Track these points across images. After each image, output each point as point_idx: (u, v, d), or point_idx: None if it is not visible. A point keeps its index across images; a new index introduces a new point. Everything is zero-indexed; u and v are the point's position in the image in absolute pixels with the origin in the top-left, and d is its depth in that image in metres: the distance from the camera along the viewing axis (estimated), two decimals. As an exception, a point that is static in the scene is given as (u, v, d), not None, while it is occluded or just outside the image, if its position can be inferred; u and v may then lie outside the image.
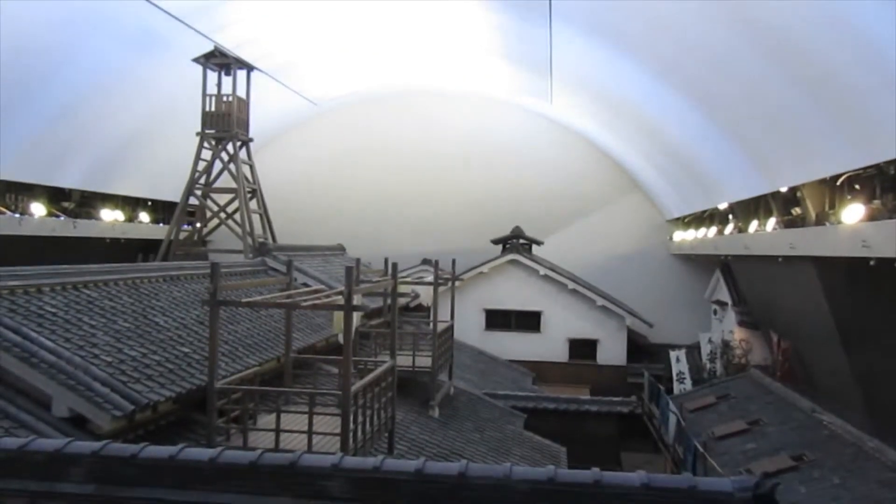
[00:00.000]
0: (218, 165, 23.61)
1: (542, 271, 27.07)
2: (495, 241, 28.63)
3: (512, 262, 27.38)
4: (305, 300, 8.76)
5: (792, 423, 15.46)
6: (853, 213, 13.91)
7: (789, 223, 18.84)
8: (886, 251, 12.47)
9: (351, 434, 8.06)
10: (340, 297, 8.28)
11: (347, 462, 3.84)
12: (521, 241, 28.20)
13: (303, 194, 32.09)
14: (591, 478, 3.58)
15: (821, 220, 16.76)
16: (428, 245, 30.64)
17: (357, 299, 8.27)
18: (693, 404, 19.31)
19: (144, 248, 27.53)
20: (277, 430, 8.12)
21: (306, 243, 21.14)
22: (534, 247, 29.04)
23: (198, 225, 25.75)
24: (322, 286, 12.04)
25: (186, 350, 9.46)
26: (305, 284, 14.51)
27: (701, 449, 14.76)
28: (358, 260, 13.55)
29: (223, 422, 8.50)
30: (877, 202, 14.29)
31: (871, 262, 13.12)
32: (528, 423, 16.37)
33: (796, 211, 18.56)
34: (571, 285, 26.99)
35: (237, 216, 23.55)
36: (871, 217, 13.80)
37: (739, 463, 14.22)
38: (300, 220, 30.44)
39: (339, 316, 8.73)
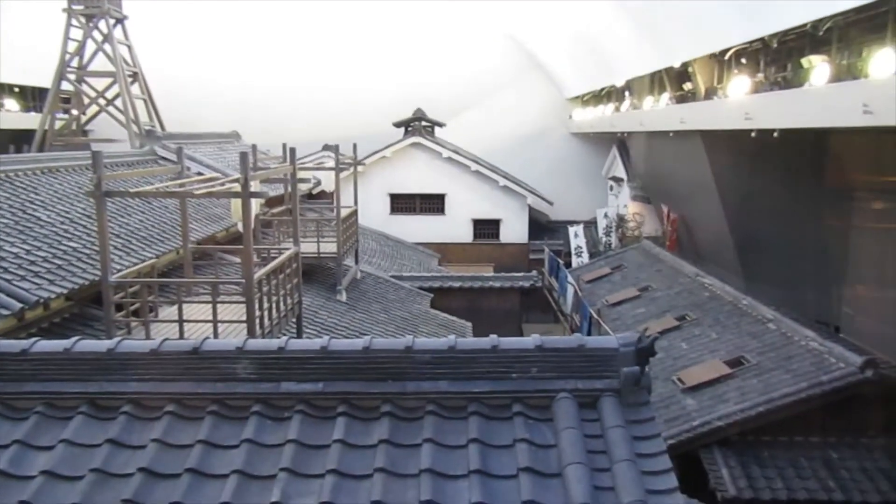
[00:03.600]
0: (92, 47, 21.60)
1: (445, 154, 27.07)
2: (397, 125, 28.19)
3: (414, 145, 27.17)
4: (199, 188, 8.42)
5: (678, 288, 16.69)
6: (738, 86, 14.48)
7: (681, 98, 19.47)
8: (767, 122, 13.18)
9: (257, 320, 8.06)
10: (237, 184, 8.01)
11: (252, 344, 3.86)
12: (424, 123, 27.89)
13: (193, 80, 30.00)
14: (489, 344, 3.76)
15: (710, 95, 17.41)
16: (329, 131, 29.74)
17: (255, 186, 8.03)
18: (589, 276, 20.41)
19: (15, 139, 25.29)
20: (181, 321, 8.02)
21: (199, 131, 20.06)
22: (436, 130, 28.81)
23: (75, 112, 23.78)
24: (217, 174, 11.57)
25: (75, 245, 9.01)
26: (199, 174, 13.90)
27: (595, 316, 15.78)
28: (254, 146, 13.05)
29: (122, 316, 8.28)
30: (760, 76, 14.92)
31: (753, 134, 13.86)
32: (434, 302, 16.89)
33: (688, 86, 19.14)
34: (474, 167, 27.21)
35: (118, 102, 21.91)
36: (755, 90, 14.44)
37: (630, 326, 15.33)
38: (192, 108, 28.61)
39: (236, 204, 8.48)
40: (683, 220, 21.93)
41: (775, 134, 13.02)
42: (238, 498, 3.12)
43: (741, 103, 14.07)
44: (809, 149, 15.40)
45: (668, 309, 15.55)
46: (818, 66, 12.16)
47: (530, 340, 3.76)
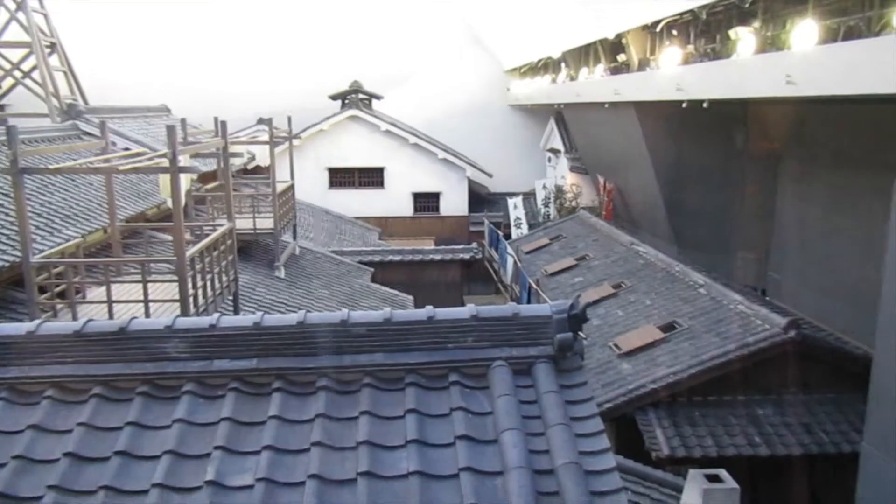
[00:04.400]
0: (5, 16, 20.37)
1: (384, 127, 26.80)
2: (334, 97, 27.71)
3: (352, 118, 26.79)
4: (125, 164, 8.10)
5: (614, 257, 17.09)
6: (669, 58, 14.77)
7: (615, 70, 19.74)
8: (696, 93, 13.51)
9: (191, 299, 7.86)
10: (164, 159, 7.73)
11: (182, 322, 3.75)
12: (361, 96, 27.50)
13: (119, 51, 28.66)
14: (424, 315, 3.77)
15: (643, 67, 17.71)
16: (263, 105, 28.97)
17: (183, 160, 7.77)
18: (529, 246, 20.69)
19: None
20: (109, 302, 7.74)
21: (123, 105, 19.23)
22: (374, 103, 28.45)
23: (-11, 86, 22.47)
24: (145, 149, 11.15)
25: (-8, 226, 8.56)
26: (126, 149, 13.36)
27: (534, 286, 16.03)
28: (183, 120, 12.61)
29: (47, 298, 7.94)
30: (690, 47, 15.24)
31: (684, 105, 14.20)
32: (375, 277, 16.82)
33: (622, 58, 19.42)
34: (413, 140, 27.06)
35: (36, 75, 20.79)
36: (686, 62, 14.76)
37: (568, 295, 15.66)
38: (118, 81, 27.36)
39: (165, 180, 8.20)
40: (619, 190, 22.41)
41: (705, 104, 13.38)
42: (171, 479, 3.06)
43: (672, 74, 14.38)
44: (737, 119, 15.89)
45: (605, 277, 15.93)
46: (744, 38, 12.50)
47: (466, 310, 3.78)
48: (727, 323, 11.64)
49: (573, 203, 25.70)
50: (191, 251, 8.10)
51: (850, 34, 10.50)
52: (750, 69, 11.82)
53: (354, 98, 27.11)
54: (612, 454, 3.23)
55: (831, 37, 10.93)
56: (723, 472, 6.97)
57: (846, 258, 13.10)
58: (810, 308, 13.94)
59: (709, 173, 16.98)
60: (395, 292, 15.61)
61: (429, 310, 3.81)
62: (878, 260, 8.59)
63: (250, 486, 3.03)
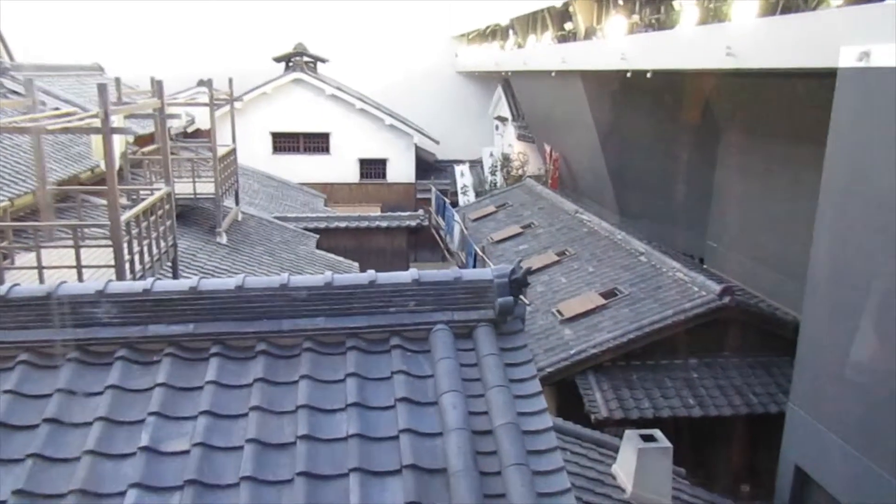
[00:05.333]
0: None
1: (329, 91, 26.30)
2: (277, 59, 27.00)
3: (296, 81, 26.20)
4: (54, 123, 7.73)
5: (559, 224, 17.31)
6: (615, 27, 14.85)
7: (563, 38, 19.77)
8: (640, 63, 13.65)
9: (127, 265, 7.63)
10: (96, 119, 7.41)
11: (114, 287, 3.63)
12: (306, 59, 26.86)
13: (49, 6, 27.14)
14: (366, 279, 3.74)
15: (589, 35, 17.78)
16: (204, 66, 27.99)
17: (117, 121, 7.47)
18: (475, 214, 20.76)
19: None
20: (40, 268, 7.45)
21: (53, 62, 18.29)
22: (320, 66, 27.83)
23: None
24: (75, 109, 10.67)
25: None
26: (56, 109, 12.76)
27: (480, 253, 16.13)
28: (117, 79, 12.09)
29: (-29, 264, 7.59)
30: (636, 17, 15.35)
31: (628, 74, 14.34)
32: (320, 244, 16.65)
33: (569, 26, 19.44)
34: (360, 105, 26.66)
35: (-44, 29, 19.55)
36: (631, 31, 14.87)
37: (513, 262, 15.80)
38: (48, 37, 25.96)
39: (97, 141, 7.87)
40: (565, 158, 22.62)
41: (648, 74, 13.54)
42: (103, 445, 2.99)
43: (617, 44, 14.48)
44: (680, 90, 16.14)
45: (550, 245, 16.14)
46: (687, 9, 12.65)
47: (407, 275, 3.77)
48: (666, 289, 11.97)
49: (520, 171, 25.85)
50: (126, 215, 7.84)
51: (789, 8, 10.74)
52: (692, 41, 11.99)
53: (299, 61, 26.47)
54: (548, 415, 3.30)
55: (771, 10, 11.16)
56: (657, 433, 7.23)
57: (778, 228, 13.57)
58: (745, 275, 14.45)
59: (652, 143, 17.27)
60: (341, 259, 15.50)
61: (370, 274, 3.78)
62: (809, 230, 8.93)
63: (186, 452, 2.99)
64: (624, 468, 7.23)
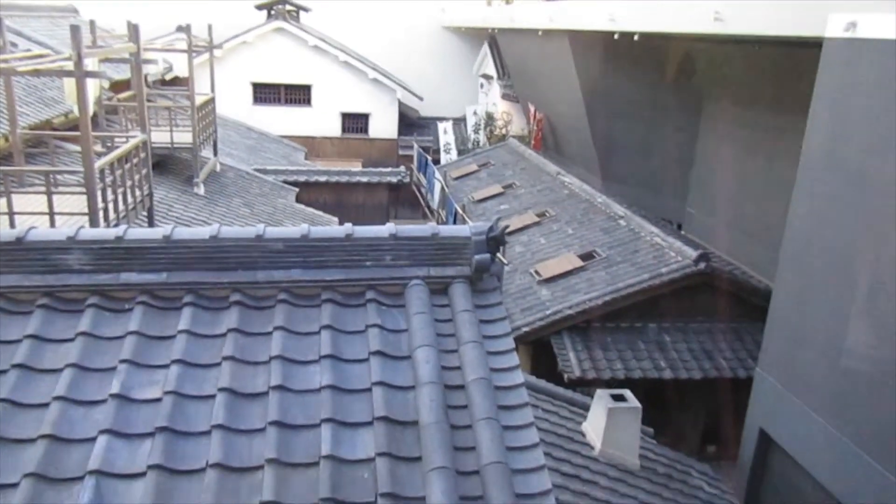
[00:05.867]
0: None
1: (312, 41, 25.76)
2: (259, 7, 26.32)
3: (278, 30, 25.60)
4: (25, 65, 7.50)
5: (540, 186, 17.29)
6: (605, -14, 14.61)
7: (551, -4, 19.45)
8: (628, 25, 13.51)
9: (101, 213, 7.51)
10: (69, 61, 7.19)
11: (86, 234, 3.57)
12: (288, 7, 26.21)
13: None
14: (342, 232, 3.72)
15: (578, -6, 17.50)
16: (182, 12, 27.20)
17: (91, 64, 7.26)
18: (457, 172, 20.66)
19: None
20: (11, 214, 7.31)
21: (25, 3, 17.66)
22: (303, 15, 27.20)
23: None
24: (48, 51, 10.35)
25: None
26: (28, 51, 12.38)
27: (461, 211, 16.11)
28: (92, 21, 11.70)
29: (-60, 208, 7.43)
30: (626, -23, 15.09)
31: (616, 36, 14.20)
32: (300, 197, 16.50)
33: (558, -16, 19.11)
34: (343, 57, 26.17)
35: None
36: (620, -8, 14.64)
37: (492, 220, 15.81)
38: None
39: (70, 85, 7.65)
40: (549, 119, 22.50)
41: (636, 37, 13.42)
42: (74, 392, 2.98)
43: (606, 5, 14.29)
44: (667, 54, 16.05)
45: (530, 206, 16.15)
46: (678, -29, 12.45)
47: (384, 229, 3.75)
48: (643, 254, 12.08)
49: (503, 131, 25.68)
50: (100, 162, 7.69)
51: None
52: (680, 4, 11.87)
53: (281, 9, 25.83)
54: (520, 371, 3.34)
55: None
56: (627, 393, 7.38)
57: (757, 197, 13.69)
58: (721, 242, 14.61)
59: (637, 107, 17.22)
60: (320, 213, 15.40)
61: (347, 227, 3.76)
62: (786, 200, 9.01)
63: (158, 399, 2.98)
64: (593, 426, 7.38)
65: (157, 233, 3.62)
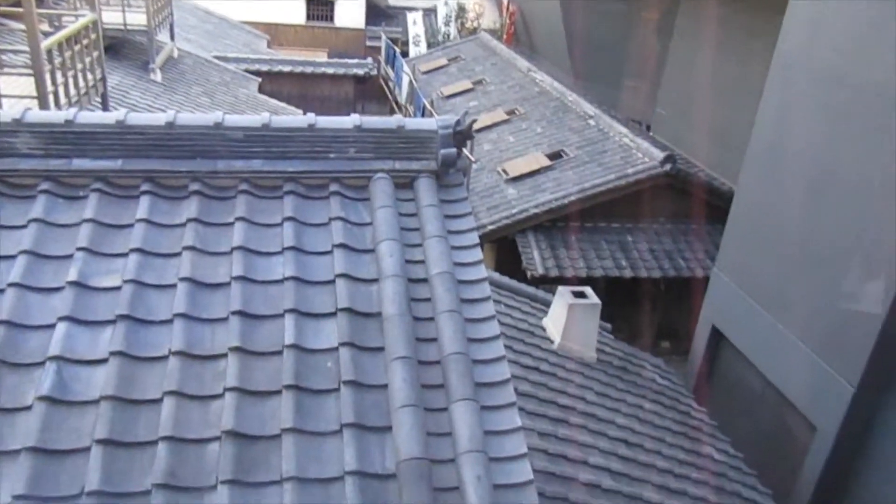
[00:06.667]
0: None
1: (274, -82, 24.08)
2: None
3: None
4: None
5: (510, 82, 16.93)
6: None
7: None
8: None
9: (51, 96, 7.16)
10: (7, -73, 6.61)
11: (33, 116, 3.40)
12: None
13: None
14: (305, 122, 3.60)
15: None
16: None
17: (31, -68, 6.69)
18: (426, 66, 20.06)
19: None
20: (-47, 95, 6.93)
21: None
22: None
23: None
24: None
25: None
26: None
27: (429, 107, 15.76)
28: None
29: None
30: None
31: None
32: (262, 88, 15.93)
33: None
34: (307, -63, 24.63)
35: None
36: None
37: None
38: None
39: (10, -46, 7.07)
40: (522, 13, 21.75)
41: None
42: (29, 278, 2.92)
43: None
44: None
45: (500, 103, 15.87)
46: None
47: (349, 120, 3.65)
48: (611, 154, 12.06)
49: (475, 24, 24.83)
50: (47, 42, 7.25)
51: None
52: None
53: None
54: (483, 266, 3.36)
55: None
56: (588, 290, 7.55)
57: (727, 99, 13.62)
58: (688, 145, 14.64)
59: (612, 2, 16.71)
60: (284, 105, 14.94)
61: (310, 117, 3.65)
62: (755, 103, 8.98)
63: (117, 288, 2.95)
64: (554, 321, 7.59)
65: (111, 117, 3.47)
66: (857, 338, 7.06)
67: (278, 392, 2.72)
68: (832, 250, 7.51)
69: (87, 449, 2.44)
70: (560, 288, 7.60)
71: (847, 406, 7.18)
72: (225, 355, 2.80)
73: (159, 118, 3.49)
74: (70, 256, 3.04)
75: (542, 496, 4.86)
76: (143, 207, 3.28)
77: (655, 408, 7.40)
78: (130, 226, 3.22)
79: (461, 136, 3.70)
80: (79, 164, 3.37)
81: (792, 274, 8.13)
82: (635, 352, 8.82)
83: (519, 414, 2.85)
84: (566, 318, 7.34)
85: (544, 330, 7.68)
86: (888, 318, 6.74)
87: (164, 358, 2.75)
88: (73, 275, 2.94)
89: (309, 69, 17.64)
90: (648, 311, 12.04)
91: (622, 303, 11.01)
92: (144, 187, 3.38)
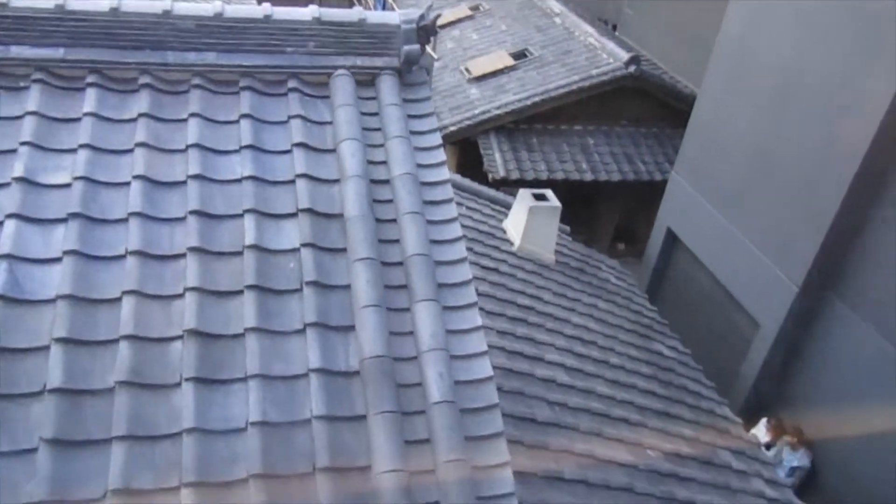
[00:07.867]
0: None
1: None
2: None
3: None
4: None
5: (475, -24, 16.24)
6: None
7: None
8: None
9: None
10: None
11: (-37, -1, 3.15)
12: None
13: None
14: (261, 13, 3.41)
15: None
16: None
17: None
18: (387, -44, 19.05)
19: None
20: None
21: None
22: None
23: None
24: None
25: None
26: None
27: (390, 1, 15.12)
28: None
29: None
30: None
31: None
32: None
33: None
34: None
35: None
36: None
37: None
38: None
39: None
40: None
41: None
42: (-30, 174, 2.79)
43: None
44: None
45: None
46: None
47: (307, 11, 3.47)
48: (576, 55, 11.84)
49: None
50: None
51: None
52: None
53: None
54: (446, 168, 3.33)
55: None
56: (549, 192, 7.60)
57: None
58: (654, 46, 14.43)
59: None
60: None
61: (266, 7, 3.45)
62: (724, 5, 8.83)
63: (68, 185, 2.84)
64: (514, 224, 7.66)
65: (49, 1, 3.23)
66: (805, 241, 7.33)
67: (240, 292, 2.71)
68: (788, 157, 7.65)
69: (47, 347, 2.43)
70: (521, 191, 7.62)
71: (790, 305, 7.54)
72: (184, 255, 2.76)
73: (103, 4, 3.27)
74: (14, 151, 2.90)
75: (501, 391, 5.05)
76: (90, 101, 3.12)
77: (610, 307, 7.65)
78: (78, 120, 3.06)
79: (425, 31, 3.56)
80: (17, 51, 3.15)
81: (748, 179, 8.29)
82: (592, 253, 9.01)
83: (479, 313, 2.91)
84: (526, 221, 7.41)
85: (504, 232, 7.76)
86: (834, 222, 6.99)
87: (121, 257, 2.70)
88: (18, 170, 2.81)
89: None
90: (607, 214, 12.23)
91: (581, 205, 11.14)
92: (90, 79, 3.20)
